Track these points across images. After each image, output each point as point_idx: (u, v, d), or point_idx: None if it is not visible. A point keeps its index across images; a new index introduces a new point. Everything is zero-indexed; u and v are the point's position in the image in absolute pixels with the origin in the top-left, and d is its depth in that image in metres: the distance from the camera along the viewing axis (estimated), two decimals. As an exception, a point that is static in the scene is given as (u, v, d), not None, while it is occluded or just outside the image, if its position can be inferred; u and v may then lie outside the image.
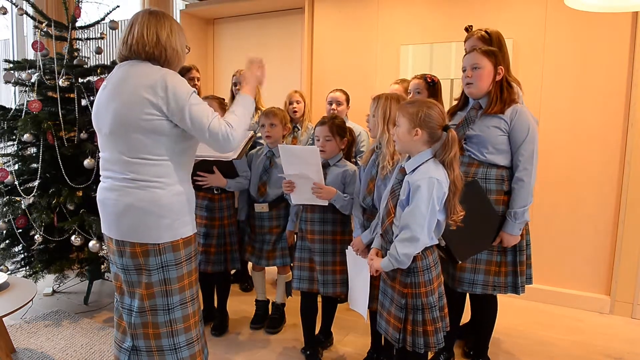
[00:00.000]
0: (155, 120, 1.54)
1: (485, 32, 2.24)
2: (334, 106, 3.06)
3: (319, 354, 2.40)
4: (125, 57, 1.63)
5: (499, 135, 2.00)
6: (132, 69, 1.59)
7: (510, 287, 2.07)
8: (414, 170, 1.68)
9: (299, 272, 2.33)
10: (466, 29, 2.36)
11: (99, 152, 1.71)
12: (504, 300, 2.93)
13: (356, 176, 2.25)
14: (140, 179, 1.56)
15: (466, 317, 2.44)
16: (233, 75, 3.25)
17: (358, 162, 2.86)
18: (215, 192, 2.57)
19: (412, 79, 2.69)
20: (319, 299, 2.43)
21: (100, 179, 1.67)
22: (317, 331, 2.49)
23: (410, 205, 1.64)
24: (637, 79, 2.84)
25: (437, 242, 1.75)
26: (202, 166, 2.45)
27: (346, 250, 2.17)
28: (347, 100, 3.13)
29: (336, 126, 2.26)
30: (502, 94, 2.01)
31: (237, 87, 3.18)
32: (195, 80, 3.26)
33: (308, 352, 2.39)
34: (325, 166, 2.27)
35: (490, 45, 2.14)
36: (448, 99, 3.25)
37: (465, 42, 2.33)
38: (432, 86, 2.59)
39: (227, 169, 2.50)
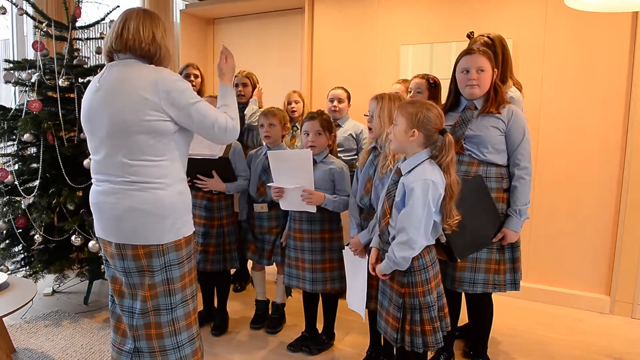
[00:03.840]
0: (157, 121, 1.54)
1: (488, 37, 2.26)
2: (335, 103, 3.06)
3: (302, 347, 2.47)
4: (117, 51, 1.62)
5: (498, 135, 2.04)
6: (127, 69, 1.58)
7: (509, 285, 2.11)
8: (409, 172, 1.68)
9: (289, 269, 2.41)
10: (468, 36, 2.38)
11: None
12: (504, 301, 2.93)
13: (344, 173, 2.28)
14: (141, 181, 1.56)
15: (465, 317, 2.43)
16: (234, 76, 3.24)
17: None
18: (214, 192, 2.57)
19: (413, 78, 2.70)
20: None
21: (93, 182, 1.66)
22: (319, 331, 2.52)
23: (406, 208, 1.64)
24: (637, 79, 2.84)
25: (434, 242, 1.75)
26: (200, 168, 2.45)
27: (343, 250, 2.18)
28: (349, 98, 3.13)
29: (326, 121, 2.32)
30: (497, 94, 2.06)
31: (238, 88, 3.19)
32: (192, 77, 3.26)
33: (293, 345, 2.48)
34: (313, 163, 2.28)
35: (494, 50, 2.19)
36: (446, 99, 3.25)
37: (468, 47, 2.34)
38: (433, 87, 2.60)
39: (226, 171, 2.50)
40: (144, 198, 1.56)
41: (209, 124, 1.63)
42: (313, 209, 2.23)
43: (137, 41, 1.59)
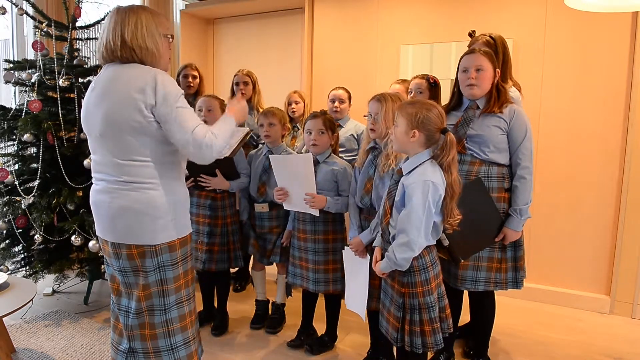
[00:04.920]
0: (145, 121, 1.52)
1: (490, 36, 2.26)
2: (336, 104, 3.05)
3: (304, 345, 2.47)
4: (105, 61, 1.62)
5: (500, 135, 2.05)
6: (121, 69, 1.57)
7: (511, 283, 2.12)
8: (409, 172, 1.68)
9: (293, 268, 2.42)
10: (470, 34, 2.39)
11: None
12: (504, 301, 2.93)
13: (347, 172, 2.28)
14: (133, 181, 1.55)
15: (466, 317, 2.44)
16: (235, 75, 3.25)
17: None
18: (218, 191, 2.58)
19: (413, 78, 2.70)
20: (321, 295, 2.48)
21: (93, 181, 1.66)
22: (320, 331, 2.52)
23: (406, 209, 1.64)
24: (637, 79, 2.84)
25: (435, 243, 1.75)
26: (204, 168, 2.46)
27: (343, 250, 2.18)
28: (349, 98, 3.12)
29: (328, 120, 2.32)
30: (500, 94, 2.06)
31: (239, 87, 3.19)
32: (190, 77, 3.26)
33: (292, 342, 2.49)
34: (315, 163, 2.29)
35: (495, 50, 2.19)
36: (449, 98, 3.25)
37: (469, 47, 2.34)
38: (433, 87, 2.61)
39: (229, 169, 2.51)
40: (136, 198, 1.55)
41: (183, 133, 1.52)
42: (316, 212, 2.23)
43: (109, 50, 1.56)
